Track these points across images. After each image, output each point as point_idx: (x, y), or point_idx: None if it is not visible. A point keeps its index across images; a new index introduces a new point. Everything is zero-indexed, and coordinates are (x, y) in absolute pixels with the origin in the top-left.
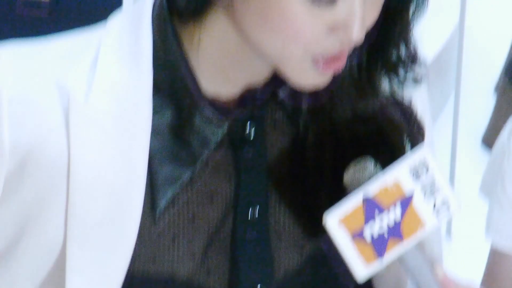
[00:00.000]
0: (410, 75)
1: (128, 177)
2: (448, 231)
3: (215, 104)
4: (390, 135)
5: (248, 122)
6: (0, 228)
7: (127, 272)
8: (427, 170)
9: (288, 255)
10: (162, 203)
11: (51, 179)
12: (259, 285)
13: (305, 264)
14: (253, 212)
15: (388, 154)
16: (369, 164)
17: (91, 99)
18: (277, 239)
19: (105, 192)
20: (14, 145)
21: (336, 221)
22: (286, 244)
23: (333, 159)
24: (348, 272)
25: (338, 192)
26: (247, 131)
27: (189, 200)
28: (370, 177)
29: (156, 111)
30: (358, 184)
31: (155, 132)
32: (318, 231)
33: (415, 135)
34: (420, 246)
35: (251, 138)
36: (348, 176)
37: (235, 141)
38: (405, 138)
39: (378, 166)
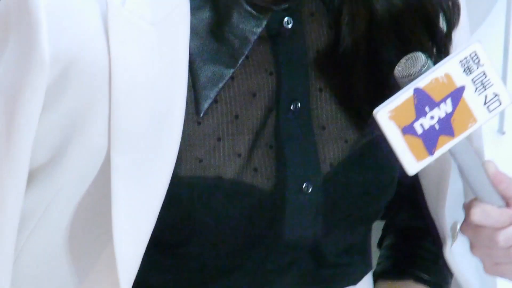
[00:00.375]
0: None
1: (169, 80)
2: (500, 128)
3: (252, 0)
4: (425, 9)
5: (286, 15)
6: (45, 138)
7: (174, 175)
8: (479, 64)
9: (332, 149)
10: (205, 104)
11: (93, 87)
12: (305, 184)
13: (350, 157)
14: (295, 107)
15: (423, 31)
16: (420, 58)
17: (128, 2)
18: (320, 133)
19: (147, 96)
20: (55, 56)
21: (386, 114)
22: (330, 137)
23: (370, 45)
24: (396, 161)
25: (379, 81)
26: (285, 25)
27: (231, 100)
28: (421, 71)
29: (194, 11)
30: (409, 77)
31: (194, 33)
32: (360, 123)
33: (451, 9)
34: (470, 141)
35: (290, 31)
36: (399, 69)
37: (274, 35)
38: (440, 12)
39: (430, 60)
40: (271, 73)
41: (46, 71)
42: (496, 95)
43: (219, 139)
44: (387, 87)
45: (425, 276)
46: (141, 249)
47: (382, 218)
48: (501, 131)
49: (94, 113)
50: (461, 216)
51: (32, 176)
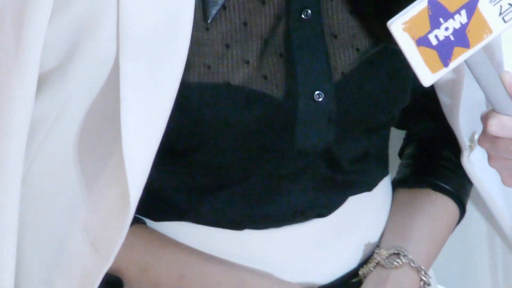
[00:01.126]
0: None
1: None
2: None
3: None
4: None
5: None
6: (54, 42)
7: (182, 82)
8: None
9: (344, 57)
10: (212, 10)
11: None
12: (316, 92)
13: (361, 66)
14: (306, 14)
15: None
16: None
17: None
18: (332, 41)
19: (155, 1)
20: None
21: (400, 26)
22: (341, 45)
23: None
24: (408, 70)
25: None
26: None
27: (240, 6)
28: None
29: None
30: None
31: None
32: (371, 32)
33: None
34: (490, 52)
35: None
36: None
37: None
38: None
39: None
40: None
41: None
42: (511, 5)
43: (227, 46)
44: None
45: (444, 185)
46: (150, 156)
47: (403, 128)
48: None
49: (103, 18)
50: (480, 127)
51: (42, 82)
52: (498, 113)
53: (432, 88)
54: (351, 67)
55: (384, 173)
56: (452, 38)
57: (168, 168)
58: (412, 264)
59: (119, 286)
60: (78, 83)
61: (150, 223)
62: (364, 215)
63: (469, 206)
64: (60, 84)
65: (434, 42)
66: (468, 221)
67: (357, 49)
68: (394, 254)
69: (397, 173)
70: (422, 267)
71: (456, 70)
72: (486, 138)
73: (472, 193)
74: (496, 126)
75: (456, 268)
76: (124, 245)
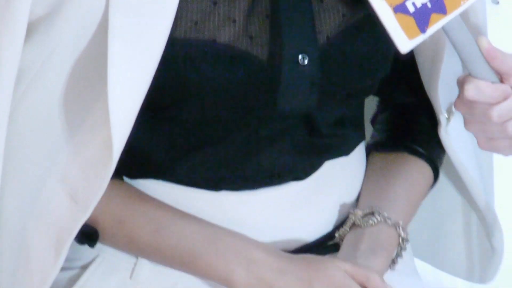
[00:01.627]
0: None
1: None
2: None
3: None
4: None
5: None
6: None
7: (169, 37)
8: None
9: (329, 21)
10: None
11: None
12: (300, 55)
13: (346, 30)
14: None
15: None
16: None
17: None
18: (318, 5)
19: None
20: None
21: None
22: (327, 9)
23: None
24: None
25: None
26: None
27: None
28: None
29: None
30: None
31: None
32: (358, 1)
33: None
34: (465, 16)
35: None
36: None
37: None
38: None
39: None
40: None
41: None
42: None
43: (215, 3)
44: None
45: (420, 150)
46: (135, 108)
47: (378, 95)
48: (495, 1)
49: None
50: None
51: (29, 31)
52: (474, 77)
53: (412, 58)
54: (336, 31)
55: (361, 137)
56: (429, 5)
57: (148, 124)
58: (389, 221)
59: (95, 237)
60: (66, 34)
61: (126, 180)
62: (340, 178)
63: (444, 178)
64: (47, 33)
65: (411, 9)
66: (443, 192)
67: (343, 15)
68: (370, 213)
69: (372, 137)
70: (400, 222)
71: (437, 41)
72: (462, 103)
73: (448, 165)
74: (472, 90)
75: (430, 241)
76: (102, 197)
